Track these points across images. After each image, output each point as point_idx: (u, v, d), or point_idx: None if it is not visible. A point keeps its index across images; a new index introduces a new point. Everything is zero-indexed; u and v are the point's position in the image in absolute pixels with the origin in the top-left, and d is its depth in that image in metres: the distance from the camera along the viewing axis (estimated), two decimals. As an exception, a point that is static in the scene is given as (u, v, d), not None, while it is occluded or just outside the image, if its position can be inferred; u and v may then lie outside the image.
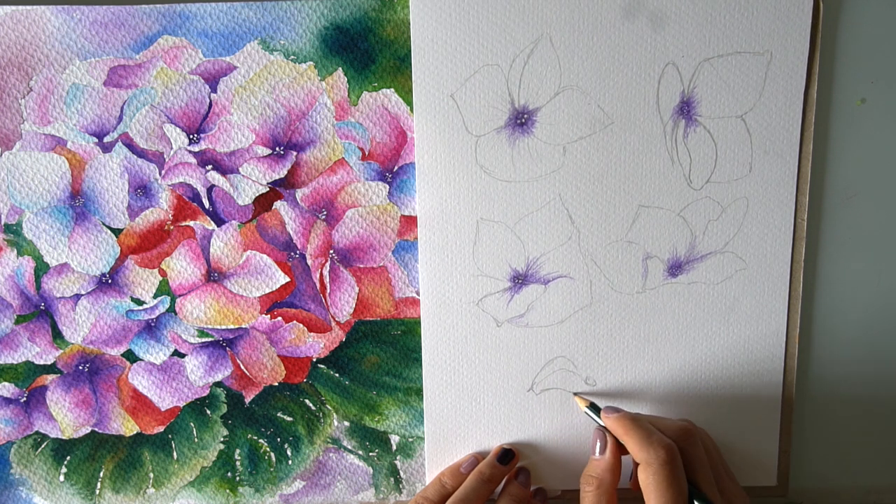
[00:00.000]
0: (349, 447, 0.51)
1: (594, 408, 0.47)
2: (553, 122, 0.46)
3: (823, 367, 0.51)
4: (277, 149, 0.47)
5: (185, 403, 0.50)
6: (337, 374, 0.50)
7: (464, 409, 0.50)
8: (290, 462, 0.51)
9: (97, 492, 0.51)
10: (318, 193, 0.48)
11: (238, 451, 0.51)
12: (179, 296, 0.49)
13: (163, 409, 0.50)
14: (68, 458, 0.51)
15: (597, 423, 0.47)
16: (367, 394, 0.50)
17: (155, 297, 0.49)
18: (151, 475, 0.51)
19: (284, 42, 0.46)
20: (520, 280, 0.48)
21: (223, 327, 0.49)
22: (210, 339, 0.49)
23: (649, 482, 0.41)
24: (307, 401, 0.51)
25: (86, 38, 0.45)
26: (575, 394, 0.50)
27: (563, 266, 0.48)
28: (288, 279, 0.49)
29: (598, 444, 0.45)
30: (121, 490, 0.51)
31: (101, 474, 0.51)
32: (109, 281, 0.48)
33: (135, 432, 0.51)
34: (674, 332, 0.49)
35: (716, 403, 0.50)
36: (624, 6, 0.45)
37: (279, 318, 0.49)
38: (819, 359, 0.51)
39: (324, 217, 0.48)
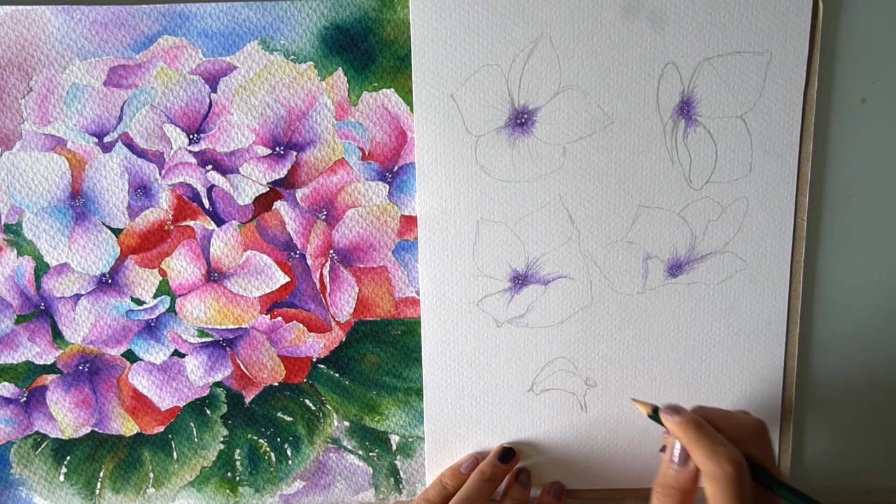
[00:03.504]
0: (349, 447, 0.51)
1: (657, 412, 0.44)
2: (553, 122, 0.46)
3: (823, 368, 0.51)
4: (277, 149, 0.47)
5: (185, 403, 0.50)
6: (337, 374, 0.50)
7: (464, 409, 0.50)
8: (290, 462, 0.51)
9: (97, 492, 0.51)
10: (318, 193, 0.48)
11: (238, 451, 0.51)
12: (179, 296, 0.49)
13: (163, 409, 0.50)
14: (68, 458, 0.51)
15: (660, 425, 0.43)
16: (367, 394, 0.50)
17: (155, 297, 0.49)
18: (151, 475, 0.51)
19: (284, 42, 0.46)
20: (520, 280, 0.48)
21: (223, 327, 0.49)
22: (210, 339, 0.49)
23: (715, 496, 0.39)
24: (307, 401, 0.51)
25: (86, 38, 0.45)
26: (633, 399, 0.47)
27: (563, 266, 0.48)
28: (288, 279, 0.49)
29: (679, 453, 0.42)
30: (121, 490, 0.51)
31: (101, 474, 0.51)
32: (109, 281, 0.48)
33: (135, 432, 0.51)
34: (674, 332, 0.49)
35: (716, 403, 0.50)
36: (624, 6, 0.45)
37: (279, 318, 0.49)
38: (819, 359, 0.51)
39: (324, 217, 0.48)
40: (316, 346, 0.50)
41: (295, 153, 0.47)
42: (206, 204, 0.48)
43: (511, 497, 0.49)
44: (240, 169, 0.47)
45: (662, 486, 0.42)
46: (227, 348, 0.50)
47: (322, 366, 0.50)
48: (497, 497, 0.50)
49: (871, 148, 0.48)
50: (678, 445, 0.41)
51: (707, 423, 0.41)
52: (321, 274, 0.49)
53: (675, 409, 0.42)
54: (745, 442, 0.41)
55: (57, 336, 0.49)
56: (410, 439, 0.51)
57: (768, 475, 0.41)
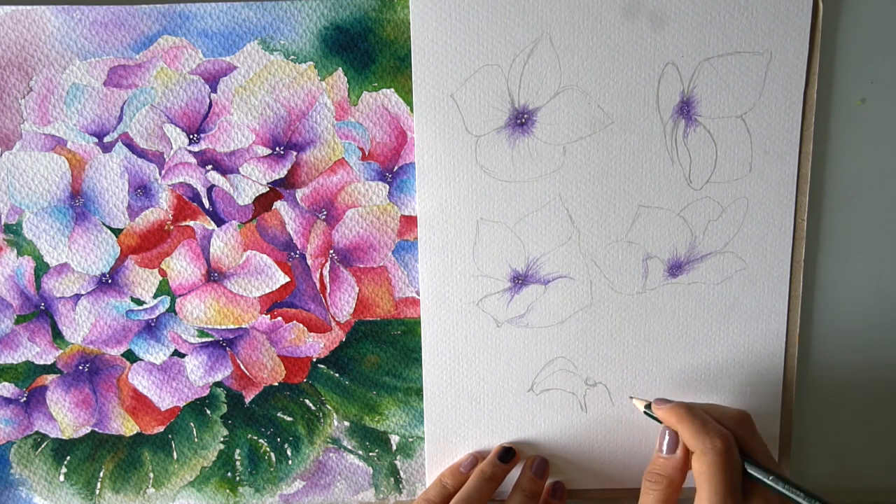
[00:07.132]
0: (349, 447, 0.51)
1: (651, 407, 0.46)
2: (553, 122, 0.46)
3: (823, 368, 0.51)
4: (277, 149, 0.47)
5: (185, 403, 0.50)
6: (337, 374, 0.50)
7: (464, 409, 0.50)
8: (290, 462, 0.51)
9: (97, 492, 0.51)
10: (318, 193, 0.48)
11: (238, 451, 0.51)
12: (179, 296, 0.49)
13: (163, 409, 0.50)
14: (68, 458, 0.51)
15: (657, 422, 0.46)
16: (367, 394, 0.50)
17: (155, 297, 0.49)
18: (151, 475, 0.51)
19: (284, 42, 0.46)
20: (520, 280, 0.48)
21: (223, 327, 0.49)
22: (210, 339, 0.49)
23: (703, 470, 0.41)
24: (307, 401, 0.51)
25: (86, 38, 0.45)
26: (631, 397, 0.49)
27: (563, 266, 0.48)
28: (288, 279, 0.49)
29: (667, 442, 0.44)
30: (121, 490, 0.51)
31: (101, 474, 0.51)
32: (109, 281, 0.48)
33: (135, 432, 0.51)
34: (674, 332, 0.49)
35: (716, 403, 0.50)
36: (624, 6, 0.45)
37: (279, 318, 0.49)
38: (819, 359, 0.51)
39: (324, 217, 0.48)
40: (316, 346, 0.50)
41: (295, 153, 0.47)
42: (206, 204, 0.48)
43: (521, 487, 0.48)
44: (240, 169, 0.47)
45: (651, 474, 0.44)
46: (227, 348, 0.50)
47: (322, 366, 0.50)
48: (497, 497, 0.50)
49: (871, 148, 0.48)
50: (667, 435, 0.44)
51: (695, 406, 0.44)
52: (321, 274, 0.49)
53: (665, 400, 0.45)
54: (732, 431, 0.43)
55: (57, 336, 0.49)
56: (410, 439, 0.51)
57: (756, 464, 0.42)
